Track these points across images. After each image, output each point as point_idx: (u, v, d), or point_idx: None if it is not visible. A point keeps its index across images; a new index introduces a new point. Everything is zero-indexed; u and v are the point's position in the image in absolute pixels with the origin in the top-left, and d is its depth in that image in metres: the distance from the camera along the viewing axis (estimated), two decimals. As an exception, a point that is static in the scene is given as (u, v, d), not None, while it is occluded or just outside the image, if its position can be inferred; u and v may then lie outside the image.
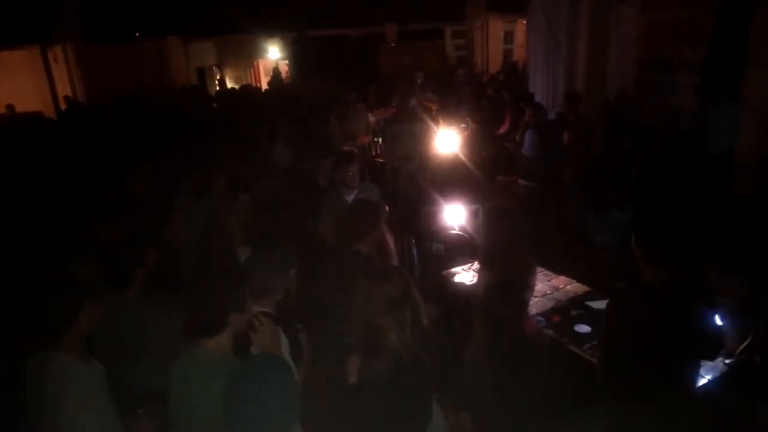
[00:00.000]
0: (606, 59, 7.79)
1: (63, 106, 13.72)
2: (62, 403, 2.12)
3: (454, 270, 4.57)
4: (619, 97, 7.89)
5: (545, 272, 4.40)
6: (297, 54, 17.12)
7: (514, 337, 2.46)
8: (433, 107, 7.54)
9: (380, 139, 7.65)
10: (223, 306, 2.15)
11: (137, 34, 16.92)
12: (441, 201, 4.97)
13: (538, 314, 3.73)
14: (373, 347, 2.25)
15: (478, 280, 2.96)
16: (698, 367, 2.74)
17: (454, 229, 4.84)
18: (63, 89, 15.73)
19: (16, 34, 14.34)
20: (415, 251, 5.06)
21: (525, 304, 2.83)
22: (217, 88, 17.81)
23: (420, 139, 6.55)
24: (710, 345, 2.63)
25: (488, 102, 8.94)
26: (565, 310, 3.79)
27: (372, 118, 8.22)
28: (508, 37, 17.59)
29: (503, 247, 3.13)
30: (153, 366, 2.65)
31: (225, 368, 2.06)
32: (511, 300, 2.57)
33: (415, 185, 6.17)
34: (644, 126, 5.41)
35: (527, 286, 3.27)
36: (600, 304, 3.85)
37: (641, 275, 2.65)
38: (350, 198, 4.48)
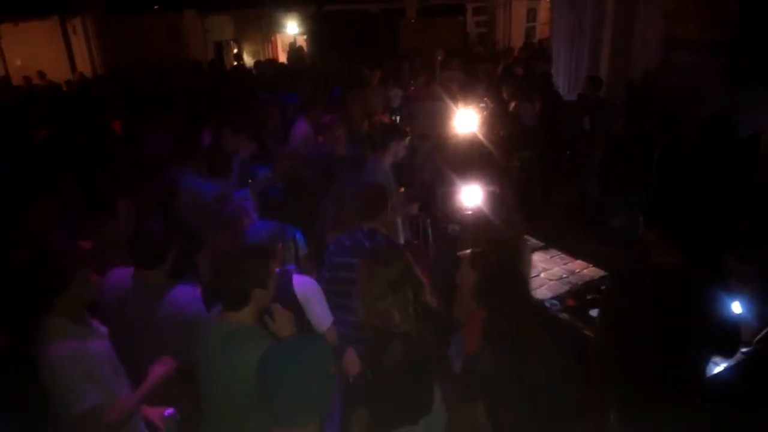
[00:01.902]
0: (631, 39, 7.61)
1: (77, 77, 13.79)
2: (56, 364, 2.17)
3: (469, 251, 4.54)
4: (643, 79, 7.72)
5: (561, 255, 4.37)
6: (315, 29, 16.96)
7: (520, 320, 2.43)
8: (454, 86, 7.43)
9: (398, 118, 7.57)
10: (247, 281, 2.18)
11: (156, 7, 16.85)
12: (458, 181, 4.92)
13: (553, 297, 3.71)
14: (383, 334, 2.25)
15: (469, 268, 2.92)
16: (709, 355, 2.69)
17: (470, 210, 4.80)
18: (82, 60, 15.81)
19: (35, 4, 14.38)
20: (430, 232, 5.03)
21: (526, 283, 2.80)
22: (234, 63, 17.75)
23: (438, 117, 6.48)
24: (725, 335, 2.56)
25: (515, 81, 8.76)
26: (580, 294, 3.77)
27: (395, 96, 8.14)
28: (531, 15, 17.27)
29: (489, 231, 3.10)
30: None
31: (247, 341, 2.09)
32: (511, 286, 2.53)
33: (431, 165, 6.12)
34: (668, 108, 5.28)
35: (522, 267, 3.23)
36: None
37: (651, 257, 2.59)
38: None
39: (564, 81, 8.56)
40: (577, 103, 7.53)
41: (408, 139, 4.68)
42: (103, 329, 2.48)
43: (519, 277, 2.66)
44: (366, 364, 2.41)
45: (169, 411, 2.56)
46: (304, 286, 2.71)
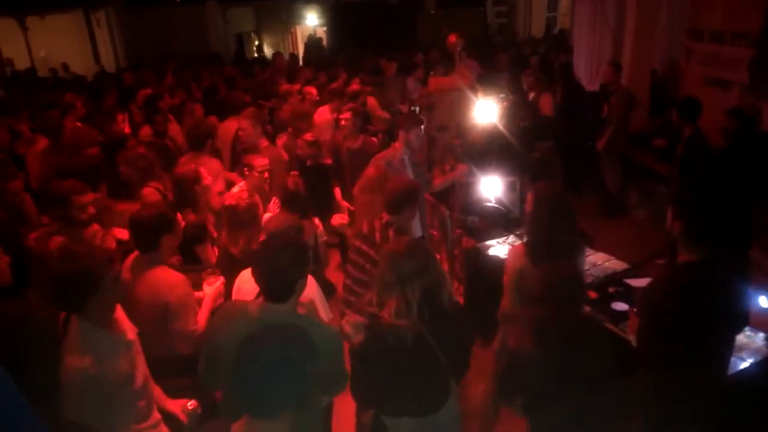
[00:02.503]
0: (655, 28, 7.48)
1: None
2: (73, 380, 2.19)
3: (488, 243, 4.54)
4: (666, 68, 7.59)
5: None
6: (334, 20, 16.94)
7: (575, 321, 2.44)
8: (472, 76, 7.39)
9: (416, 108, 7.56)
10: (293, 275, 2.22)
11: (177, -1, 17.01)
12: (477, 173, 4.91)
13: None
14: (372, 324, 2.28)
15: (529, 268, 2.86)
16: (733, 346, 2.68)
17: (490, 202, 4.79)
18: (105, 52, 16.01)
19: (62, -3, 14.61)
20: (449, 223, 5.03)
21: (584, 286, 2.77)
22: (255, 54, 17.84)
23: (457, 108, 6.45)
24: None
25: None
26: (602, 287, 3.74)
27: (413, 87, 8.12)
28: (552, 5, 17.05)
29: (551, 229, 3.01)
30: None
31: (293, 331, 2.12)
32: (575, 285, 2.52)
33: (451, 156, 6.11)
34: (692, 98, 5.18)
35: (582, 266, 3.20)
36: (639, 282, 3.79)
37: (679, 251, 2.56)
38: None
39: (585, 70, 8.44)
40: (599, 93, 7.45)
41: (422, 128, 4.66)
42: (132, 331, 2.47)
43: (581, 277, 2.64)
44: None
45: (192, 403, 2.63)
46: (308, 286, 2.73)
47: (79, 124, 6.16)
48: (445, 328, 2.27)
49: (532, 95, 7.25)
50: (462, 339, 2.42)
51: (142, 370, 2.45)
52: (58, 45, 15.49)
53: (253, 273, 2.31)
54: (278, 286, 2.22)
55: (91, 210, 3.50)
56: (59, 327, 2.36)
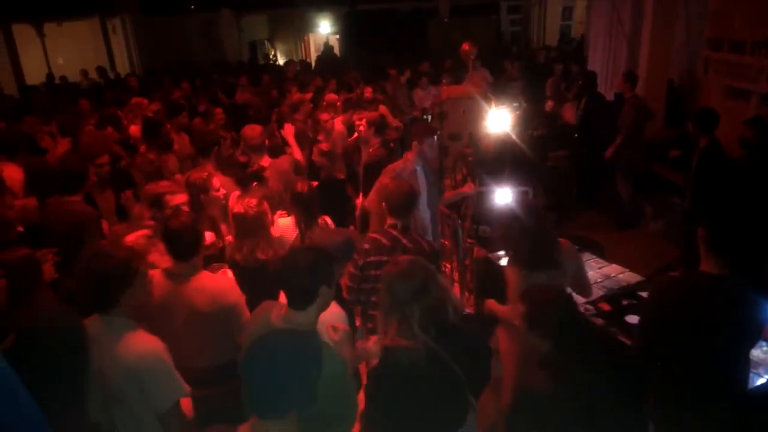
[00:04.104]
0: (672, 37, 7.40)
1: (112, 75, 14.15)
2: (141, 358, 2.18)
3: (500, 253, 4.47)
4: (684, 78, 7.49)
5: (596, 259, 4.26)
6: (347, 28, 17.02)
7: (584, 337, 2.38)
8: (485, 84, 7.36)
9: (429, 117, 7.53)
10: (316, 280, 2.18)
11: (192, 7, 17.15)
12: (489, 182, 4.86)
13: (586, 302, 3.61)
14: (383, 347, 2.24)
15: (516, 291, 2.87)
16: (749, 361, 2.61)
17: (502, 211, 4.72)
18: (120, 59, 16.19)
19: (78, 5, 14.80)
20: (461, 233, 4.98)
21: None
22: (269, 62, 17.95)
23: (470, 117, 6.41)
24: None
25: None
26: (615, 299, 3.66)
27: (423, 96, 8.11)
28: (567, 13, 17.00)
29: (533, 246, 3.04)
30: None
31: (309, 341, 2.08)
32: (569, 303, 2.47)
33: (463, 165, 6.06)
34: (708, 109, 5.09)
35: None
36: (653, 295, 3.72)
37: (701, 260, 2.50)
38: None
39: (600, 79, 8.37)
40: (614, 102, 7.36)
41: (436, 137, 4.60)
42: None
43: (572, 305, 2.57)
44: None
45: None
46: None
47: (91, 128, 6.24)
48: (457, 343, 2.22)
49: (550, 104, 7.17)
50: (478, 351, 2.37)
51: None
52: (75, 52, 15.68)
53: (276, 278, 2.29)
54: (297, 291, 2.19)
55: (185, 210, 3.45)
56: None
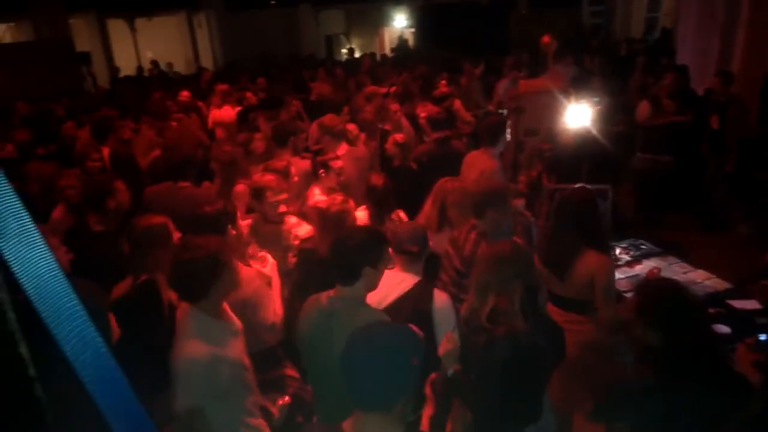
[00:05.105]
0: (770, 29, 6.89)
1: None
2: (187, 366, 2.22)
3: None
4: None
5: (681, 264, 4.05)
6: (423, 22, 16.92)
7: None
8: (565, 78, 7.11)
9: (504, 111, 7.38)
10: (359, 259, 2.28)
11: (272, 2, 17.62)
12: (566, 179, 4.70)
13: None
14: (490, 332, 2.19)
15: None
16: None
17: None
18: (204, 53, 16.88)
19: (167, 1, 15.56)
20: (534, 231, 4.85)
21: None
22: (345, 56, 18.16)
23: (547, 111, 6.22)
24: None
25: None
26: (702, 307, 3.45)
27: (503, 87, 7.94)
28: (654, 4, 16.16)
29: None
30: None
31: (350, 317, 2.16)
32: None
33: (538, 161, 5.90)
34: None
35: None
36: (743, 304, 3.49)
37: None
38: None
39: (691, 76, 7.91)
40: (705, 100, 6.94)
41: (510, 133, 4.54)
42: (238, 324, 2.51)
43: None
44: (471, 363, 2.34)
45: (285, 399, 2.73)
46: (444, 306, 2.62)
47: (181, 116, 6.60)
48: (545, 328, 2.20)
49: (638, 102, 6.82)
50: (557, 339, 2.36)
51: (248, 362, 2.51)
52: (163, 46, 16.51)
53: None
54: (343, 264, 2.29)
55: (282, 208, 3.54)
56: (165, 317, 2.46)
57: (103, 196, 3.46)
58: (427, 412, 2.20)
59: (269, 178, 3.54)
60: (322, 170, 4.21)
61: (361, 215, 3.72)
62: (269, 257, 3.21)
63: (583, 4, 17.17)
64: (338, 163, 4.26)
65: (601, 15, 17.37)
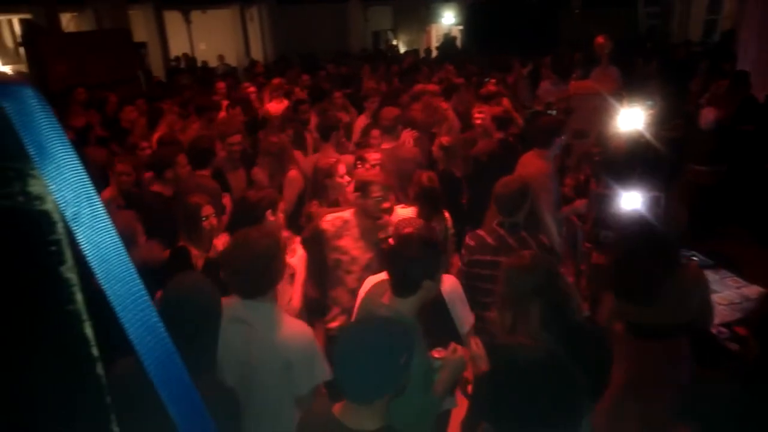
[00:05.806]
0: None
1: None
2: (296, 341, 2.28)
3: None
4: None
5: (735, 278, 3.89)
6: (471, 19, 16.72)
7: None
8: (617, 80, 6.93)
9: (553, 112, 7.23)
10: (420, 272, 2.19)
11: (323, -3, 17.78)
12: (616, 184, 4.57)
13: (720, 324, 3.31)
14: (498, 343, 2.17)
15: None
16: None
17: (628, 217, 4.44)
18: (255, 46, 17.16)
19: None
20: (580, 236, 4.75)
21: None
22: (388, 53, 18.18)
23: (598, 113, 6.07)
24: None
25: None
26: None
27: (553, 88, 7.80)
28: (714, 6, 15.56)
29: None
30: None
31: (403, 329, 2.12)
32: None
33: (587, 164, 5.76)
34: None
35: None
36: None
37: None
38: None
39: (754, 82, 7.57)
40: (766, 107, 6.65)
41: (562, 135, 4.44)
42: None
43: None
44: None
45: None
46: (452, 286, 2.65)
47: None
48: (580, 344, 2.12)
49: (701, 108, 6.56)
50: (600, 356, 2.25)
51: None
52: (215, 38, 16.87)
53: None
54: (401, 278, 2.21)
55: (386, 204, 3.49)
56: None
57: (166, 165, 3.73)
58: (458, 414, 2.19)
59: (374, 172, 3.53)
60: (359, 162, 4.24)
61: (407, 213, 3.71)
62: (299, 248, 3.22)
63: (638, 5, 16.66)
64: (376, 156, 4.27)
65: (657, 17, 16.84)
